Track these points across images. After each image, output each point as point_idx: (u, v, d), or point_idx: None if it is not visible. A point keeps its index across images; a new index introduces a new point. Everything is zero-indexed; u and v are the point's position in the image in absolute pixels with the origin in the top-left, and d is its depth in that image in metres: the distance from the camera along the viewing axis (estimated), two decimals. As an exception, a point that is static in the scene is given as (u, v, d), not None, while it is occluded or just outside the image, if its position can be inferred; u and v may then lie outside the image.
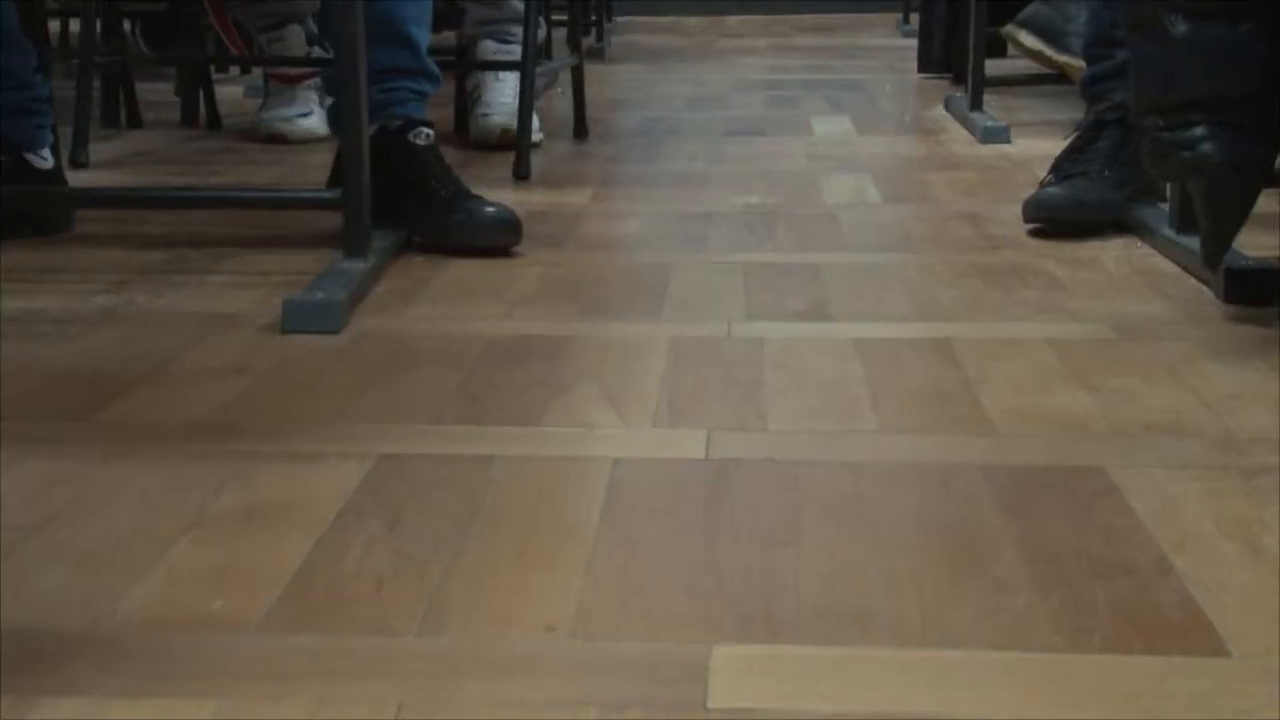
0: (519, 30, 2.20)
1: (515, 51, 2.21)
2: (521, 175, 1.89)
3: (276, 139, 2.17)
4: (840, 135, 2.27)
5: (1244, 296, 1.17)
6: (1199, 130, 1.04)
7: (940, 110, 2.49)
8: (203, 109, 2.33)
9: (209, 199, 1.48)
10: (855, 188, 1.82)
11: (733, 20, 4.77)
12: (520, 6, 2.19)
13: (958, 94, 2.45)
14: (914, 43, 3.09)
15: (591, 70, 2.84)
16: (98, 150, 2.00)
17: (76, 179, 1.81)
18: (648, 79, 3.04)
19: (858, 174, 1.91)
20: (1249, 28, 1.03)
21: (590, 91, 2.38)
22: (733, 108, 2.60)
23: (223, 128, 2.30)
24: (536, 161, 1.96)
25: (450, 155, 2.05)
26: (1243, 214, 1.10)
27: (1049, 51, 2.25)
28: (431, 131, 1.46)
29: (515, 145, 1.96)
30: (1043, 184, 1.53)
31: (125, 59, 2.24)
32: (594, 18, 3.85)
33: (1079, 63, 2.16)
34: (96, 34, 2.03)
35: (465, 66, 2.19)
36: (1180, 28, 1.04)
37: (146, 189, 1.49)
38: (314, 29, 2.21)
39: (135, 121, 2.29)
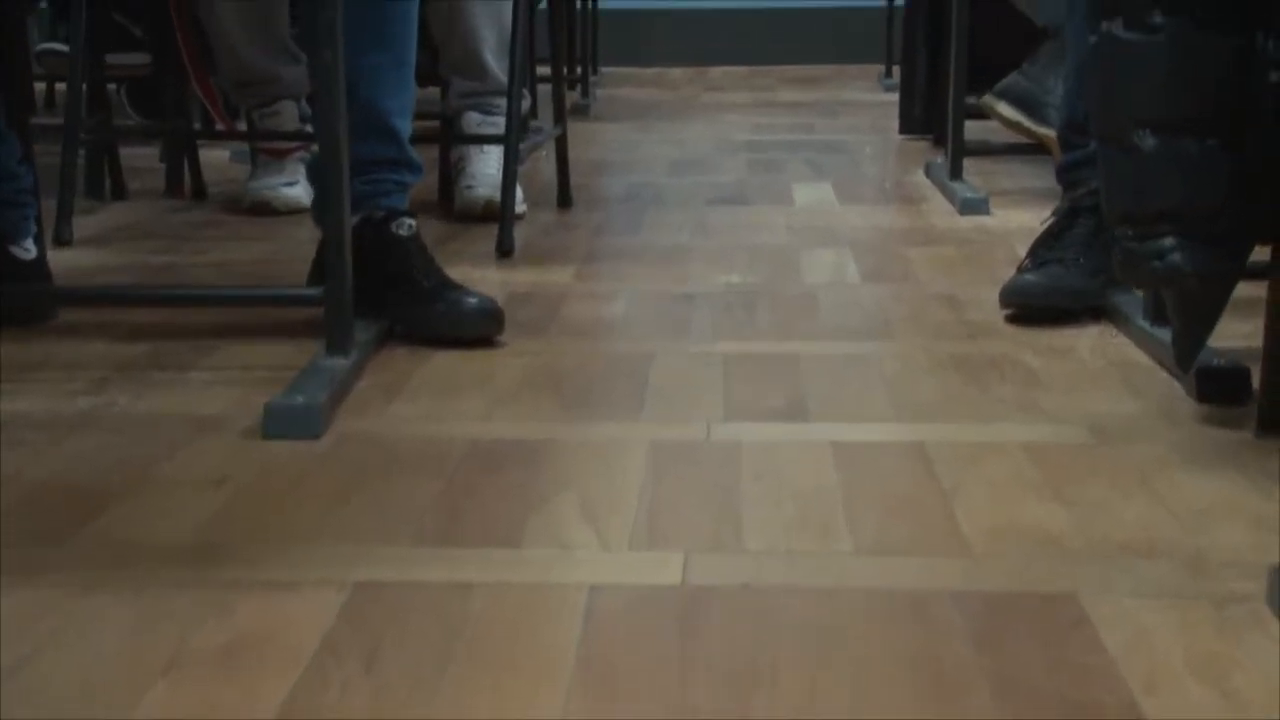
0: (503, 102, 2.22)
1: (499, 123, 2.23)
2: (505, 251, 1.90)
3: (262, 208, 2.18)
4: (821, 204, 2.29)
5: (1216, 396, 1.19)
6: (1169, 241, 1.05)
7: (920, 176, 2.51)
8: (188, 177, 2.34)
9: (191, 297, 1.48)
10: (835, 264, 1.83)
11: (716, 72, 4.81)
12: (504, 79, 2.21)
13: (938, 159, 2.48)
14: (896, 98, 3.12)
15: (576, 129, 2.87)
16: (81, 225, 2.01)
17: (59, 258, 1.81)
18: (632, 139, 3.06)
19: (838, 248, 1.93)
20: (1215, 142, 1.05)
21: (574, 153, 2.40)
22: (716, 172, 2.62)
23: (208, 197, 2.31)
24: (520, 234, 1.98)
25: (434, 227, 2.08)
26: (1213, 319, 1.12)
27: (1028, 123, 2.28)
28: (414, 222, 1.47)
29: (499, 217, 1.98)
30: (1020, 269, 1.55)
31: (110, 132, 2.24)
32: (579, 71, 3.88)
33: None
34: (82, 109, 2.04)
35: (450, 139, 2.21)
36: (1149, 142, 1.05)
37: (128, 287, 1.50)
38: (307, 109, 2.22)
39: (119, 192, 2.29)
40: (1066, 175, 1.59)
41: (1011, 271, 1.70)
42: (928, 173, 2.50)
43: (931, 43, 2.85)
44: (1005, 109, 2.32)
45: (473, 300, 1.43)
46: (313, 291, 1.34)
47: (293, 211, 2.18)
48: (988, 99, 2.37)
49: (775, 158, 2.78)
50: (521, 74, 2.10)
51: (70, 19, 1.96)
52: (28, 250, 1.46)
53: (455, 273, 1.77)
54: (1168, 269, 1.06)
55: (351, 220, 1.34)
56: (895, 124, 3.06)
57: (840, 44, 4.88)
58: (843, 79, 4.51)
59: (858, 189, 2.42)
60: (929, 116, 2.91)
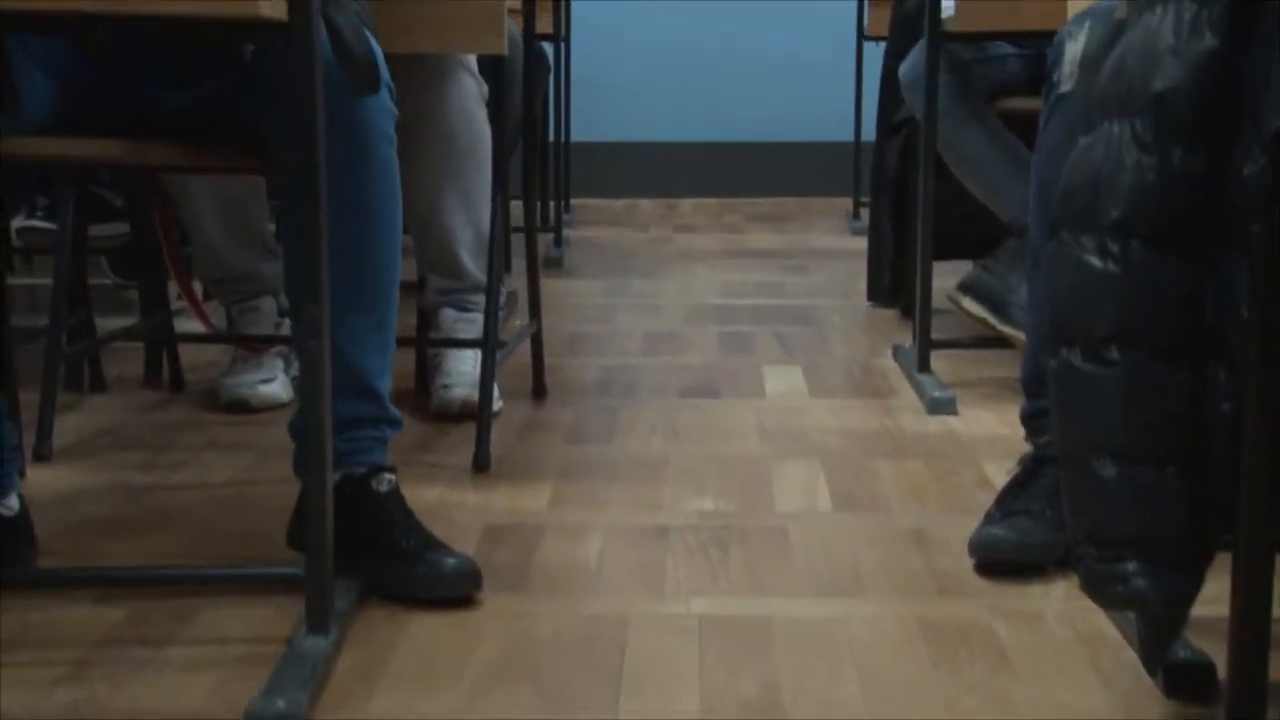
0: (480, 298, 2.26)
1: (476, 319, 2.27)
2: (482, 466, 1.93)
3: (239, 406, 2.19)
4: (792, 396, 2.32)
5: (1184, 693, 1.21)
6: (1132, 566, 1.09)
7: (888, 359, 2.55)
8: (166, 367, 2.35)
9: (169, 578, 1.49)
10: (806, 485, 1.86)
11: (687, 205, 4.88)
12: (481, 277, 2.25)
13: (905, 344, 2.53)
14: (863, 244, 3.15)
15: (549, 286, 2.89)
16: (61, 426, 2.01)
17: (39, 478, 1.83)
18: (605, 306, 3.09)
19: (808, 462, 1.95)
20: (1173, 470, 1.08)
21: (548, 321, 2.42)
22: (687, 351, 2.65)
23: (186, 387, 2.33)
24: (496, 437, 2.00)
25: (409, 428, 2.08)
26: (1179, 630, 1.15)
27: (993, 320, 2.33)
28: (394, 476, 1.49)
29: (476, 417, 2.01)
30: (988, 517, 1.58)
31: (93, 339, 2.26)
32: (552, 215, 3.94)
33: (1024, 336, 2.25)
34: (65, 312, 2.06)
35: (426, 340, 2.24)
36: (1109, 470, 1.09)
37: (106, 571, 1.51)
38: (285, 303, 2.25)
39: (98, 383, 2.31)
40: (1031, 422, 1.63)
41: (980, 496, 1.74)
42: (895, 356, 2.55)
43: (896, 217, 2.92)
44: (970, 305, 2.37)
45: (451, 561, 1.45)
46: (294, 570, 1.35)
47: (269, 408, 2.20)
48: (953, 293, 2.42)
49: (745, 331, 2.82)
50: (499, 277, 2.14)
51: (56, 239, 1.97)
52: (9, 508, 1.46)
53: (431, 494, 1.81)
54: (1131, 594, 1.09)
55: (333, 476, 1.37)
56: (863, 283, 3.11)
57: (808, 177, 4.97)
58: (810, 216, 4.58)
59: (827, 376, 2.46)
60: (896, 286, 2.97)
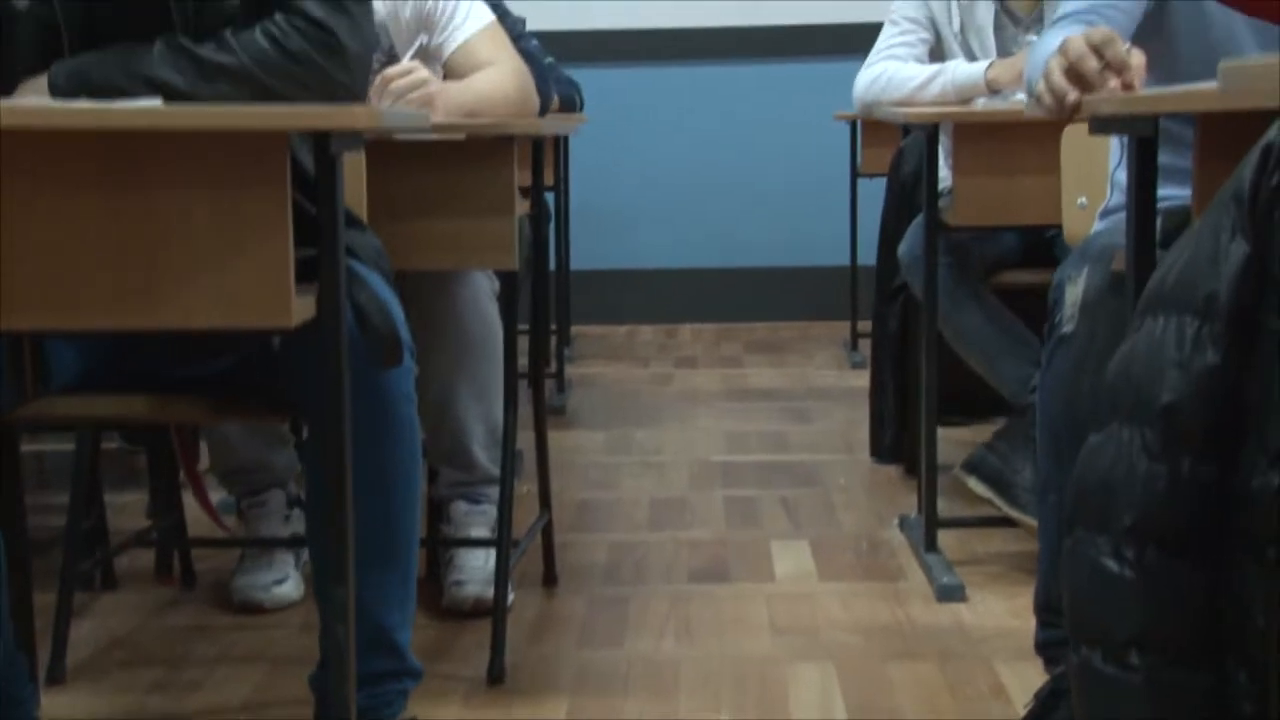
0: (491, 490, 2.28)
1: (488, 511, 2.29)
2: (497, 679, 1.93)
3: (252, 608, 2.20)
4: (802, 580, 2.33)
5: None
6: None
7: (895, 531, 2.57)
8: (177, 562, 2.36)
9: None
10: (821, 695, 1.87)
11: (686, 333, 4.93)
12: (493, 469, 2.27)
13: (911, 515, 2.55)
14: (864, 380, 3.14)
15: (552, 440, 2.87)
16: (73, 636, 2.01)
17: (54, 705, 1.82)
18: (610, 465, 3.12)
19: (821, 666, 1.96)
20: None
21: (554, 483, 2.41)
22: (694, 524, 2.67)
23: (196, 582, 2.33)
24: (509, 637, 2.00)
25: (421, 625, 2.08)
26: None
27: (999, 502, 2.35)
28: (415, 728, 1.51)
29: (488, 612, 2.02)
30: (1006, 749, 1.60)
31: (108, 549, 2.27)
32: (555, 359, 3.97)
33: (1030, 520, 2.27)
34: (81, 538, 2.06)
35: (439, 543, 2.25)
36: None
37: None
38: (294, 490, 2.27)
39: (109, 580, 2.31)
40: (1045, 652, 1.65)
41: (995, 708, 1.76)
42: (902, 528, 2.57)
43: (898, 376, 2.96)
44: (976, 485, 2.40)
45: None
46: None
47: (282, 608, 2.21)
48: (959, 472, 2.45)
49: (751, 496, 2.84)
50: (511, 473, 2.15)
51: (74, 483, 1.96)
52: (28, 770, 1.48)
53: (447, 713, 1.82)
54: None
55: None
56: (865, 434, 3.13)
57: (806, 301, 5.02)
58: (809, 345, 4.62)
59: (836, 555, 2.46)
60: (898, 444, 2.99)
